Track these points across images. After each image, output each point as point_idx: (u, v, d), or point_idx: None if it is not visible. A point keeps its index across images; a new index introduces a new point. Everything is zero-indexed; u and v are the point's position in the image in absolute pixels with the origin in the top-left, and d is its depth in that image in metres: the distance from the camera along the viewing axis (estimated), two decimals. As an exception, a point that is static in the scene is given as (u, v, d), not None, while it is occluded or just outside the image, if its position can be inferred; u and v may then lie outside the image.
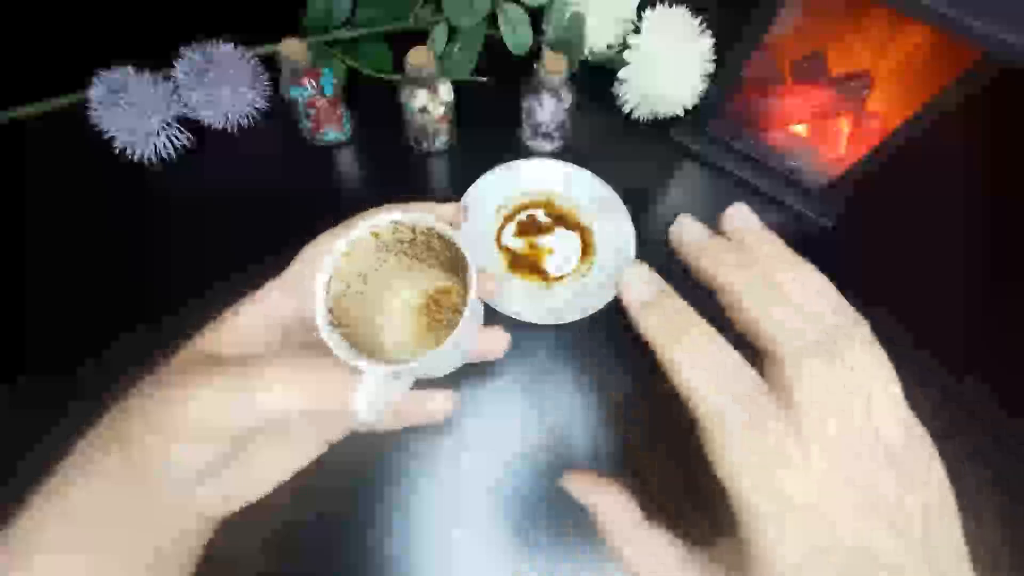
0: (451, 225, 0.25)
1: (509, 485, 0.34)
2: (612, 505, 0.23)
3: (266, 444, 0.24)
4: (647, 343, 0.19)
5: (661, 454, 0.35)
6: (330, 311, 0.23)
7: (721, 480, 0.17)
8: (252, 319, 0.24)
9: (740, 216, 0.22)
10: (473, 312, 0.24)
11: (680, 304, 0.20)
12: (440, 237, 0.25)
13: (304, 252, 0.26)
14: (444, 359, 0.26)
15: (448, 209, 0.28)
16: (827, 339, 0.17)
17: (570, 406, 0.37)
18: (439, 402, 0.26)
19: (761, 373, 0.18)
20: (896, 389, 0.17)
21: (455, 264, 0.27)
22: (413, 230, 0.26)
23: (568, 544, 0.33)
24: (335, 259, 0.24)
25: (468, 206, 0.42)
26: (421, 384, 0.26)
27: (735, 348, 0.18)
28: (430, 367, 0.26)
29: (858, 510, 0.16)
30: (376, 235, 0.25)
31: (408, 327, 0.29)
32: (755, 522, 0.16)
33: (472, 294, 0.23)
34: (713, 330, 0.18)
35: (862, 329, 0.18)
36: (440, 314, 0.30)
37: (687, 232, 0.21)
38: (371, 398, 0.22)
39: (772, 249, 0.20)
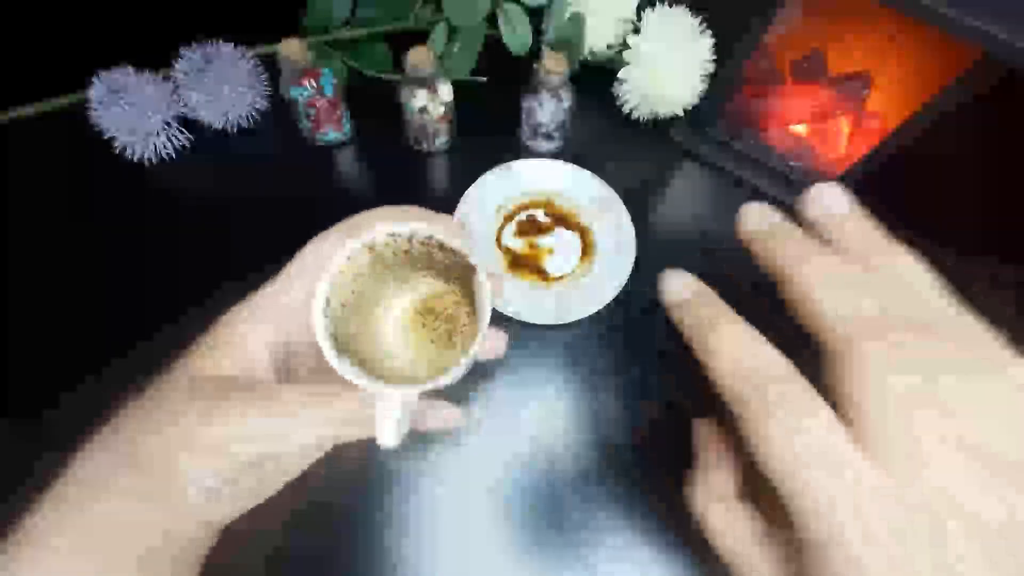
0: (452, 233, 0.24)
1: (510, 485, 0.34)
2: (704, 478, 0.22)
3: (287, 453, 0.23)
4: (687, 342, 0.19)
5: (661, 451, 0.35)
6: (333, 337, 0.22)
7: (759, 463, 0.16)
8: (253, 335, 0.23)
9: (825, 199, 0.19)
10: (485, 327, 0.23)
11: (713, 299, 0.19)
12: (442, 247, 0.24)
13: (300, 257, 0.25)
14: (459, 373, 0.26)
15: (447, 219, 0.27)
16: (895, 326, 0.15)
17: (571, 406, 0.37)
18: (447, 413, 0.27)
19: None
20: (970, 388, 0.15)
21: (452, 270, 0.26)
22: (410, 240, 0.25)
23: (568, 544, 0.33)
24: (330, 282, 0.23)
25: (468, 206, 0.42)
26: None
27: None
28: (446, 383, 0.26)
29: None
30: (371, 249, 0.24)
31: (404, 337, 0.29)
32: (805, 517, 0.15)
33: (488, 307, 0.23)
34: (744, 322, 0.18)
35: (963, 318, 0.16)
36: (435, 322, 0.29)
37: (751, 219, 0.19)
38: (395, 422, 0.21)
39: (860, 235, 0.18)
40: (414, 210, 0.26)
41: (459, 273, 0.26)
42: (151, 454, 0.20)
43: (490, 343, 0.28)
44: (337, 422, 0.21)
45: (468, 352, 0.22)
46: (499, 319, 0.37)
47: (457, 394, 0.35)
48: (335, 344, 0.22)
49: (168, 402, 0.21)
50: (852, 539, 0.14)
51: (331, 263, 0.23)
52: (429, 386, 0.22)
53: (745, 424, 0.16)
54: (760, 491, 0.20)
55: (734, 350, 0.17)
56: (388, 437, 0.21)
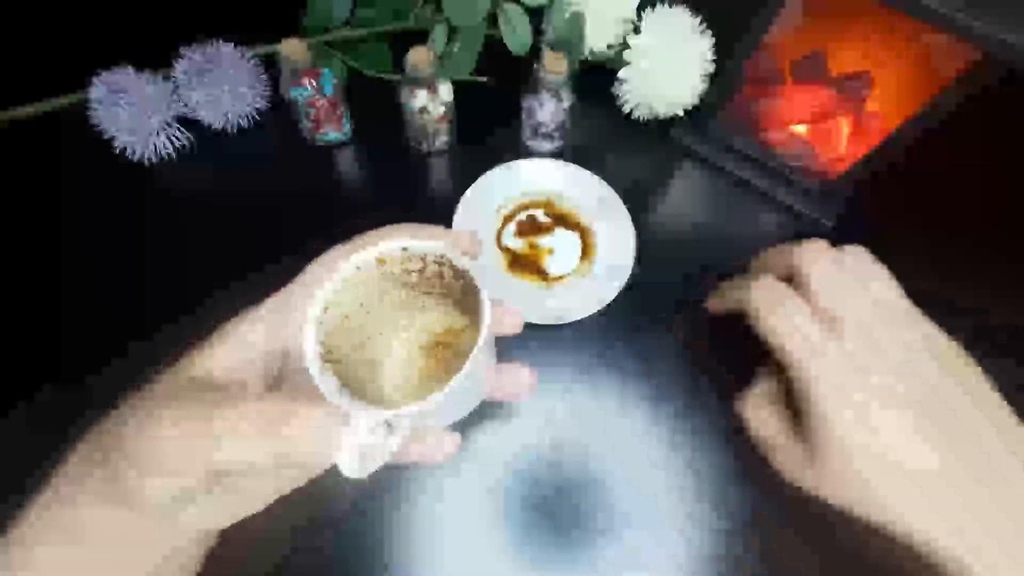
0: (466, 255, 0.22)
1: (510, 485, 0.34)
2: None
3: (253, 471, 0.22)
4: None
5: (661, 451, 0.35)
6: (323, 345, 0.21)
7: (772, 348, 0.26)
8: (248, 340, 0.23)
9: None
10: (485, 352, 0.21)
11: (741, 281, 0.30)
12: (453, 267, 0.23)
13: (310, 268, 0.24)
14: (448, 407, 0.23)
15: (463, 238, 0.26)
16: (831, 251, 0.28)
17: (570, 405, 0.37)
18: (438, 443, 0.24)
19: None
20: (884, 274, 0.27)
21: (468, 300, 0.24)
22: (423, 259, 0.23)
23: (568, 546, 0.33)
24: (333, 288, 0.21)
25: (468, 206, 0.42)
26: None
27: None
28: (431, 415, 0.23)
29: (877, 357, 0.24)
30: (382, 262, 0.23)
31: (413, 370, 0.26)
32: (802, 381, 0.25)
33: (484, 331, 0.20)
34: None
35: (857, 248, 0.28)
36: (451, 358, 0.27)
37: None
38: (361, 452, 0.19)
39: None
40: (433, 229, 0.25)
41: (474, 303, 0.23)
42: (110, 467, 0.20)
43: (512, 381, 0.26)
44: (288, 446, 0.19)
45: (455, 377, 0.19)
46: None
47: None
48: (324, 354, 0.21)
49: (136, 413, 0.21)
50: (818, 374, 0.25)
51: (338, 270, 0.22)
52: (403, 411, 0.19)
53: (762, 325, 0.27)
54: (782, 394, 0.28)
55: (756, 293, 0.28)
56: (348, 464, 0.19)
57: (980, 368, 0.25)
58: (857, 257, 0.28)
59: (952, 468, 0.23)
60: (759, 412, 0.28)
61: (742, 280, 0.30)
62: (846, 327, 0.25)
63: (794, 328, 0.25)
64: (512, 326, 0.26)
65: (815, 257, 0.27)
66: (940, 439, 0.23)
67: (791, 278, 0.28)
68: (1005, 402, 0.25)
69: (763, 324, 0.26)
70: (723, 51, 0.43)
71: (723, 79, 0.43)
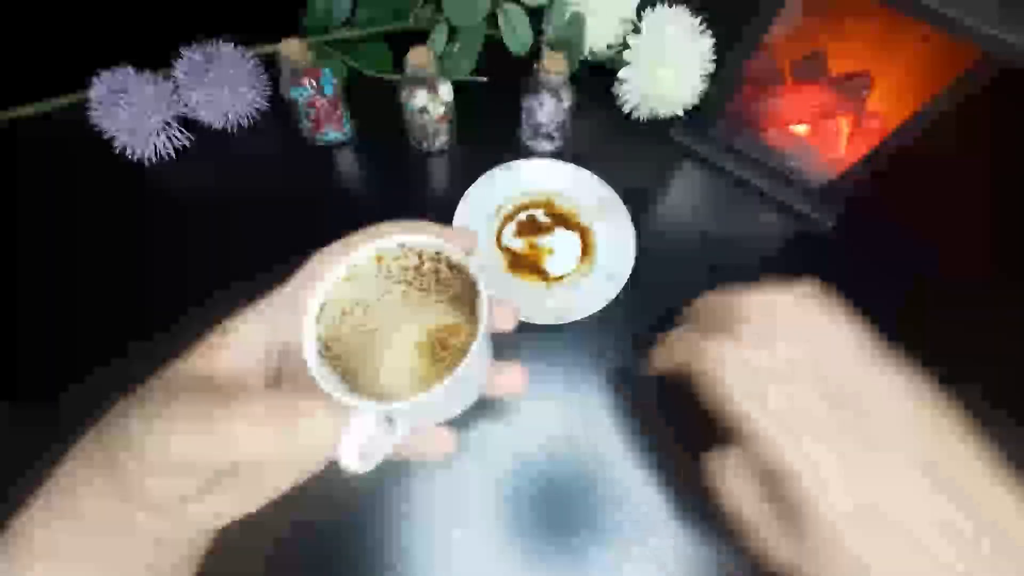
0: (463, 251, 0.23)
1: (511, 485, 0.34)
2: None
3: (256, 465, 0.22)
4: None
5: (662, 450, 0.35)
6: (322, 341, 0.21)
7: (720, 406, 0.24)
8: (248, 338, 0.23)
9: None
10: (482, 348, 0.21)
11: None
12: (449, 264, 0.23)
13: (308, 264, 0.24)
14: (447, 401, 0.24)
15: (459, 235, 0.25)
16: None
17: (570, 405, 0.37)
18: (436, 440, 0.25)
19: None
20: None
21: (465, 298, 0.25)
22: (419, 255, 0.24)
23: (569, 544, 0.33)
24: (332, 283, 0.22)
25: (468, 206, 0.42)
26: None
27: None
28: (430, 410, 0.24)
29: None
30: (379, 259, 0.23)
31: (412, 366, 0.27)
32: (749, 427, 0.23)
33: (483, 324, 0.21)
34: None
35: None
36: (447, 356, 0.27)
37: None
38: (361, 445, 0.19)
39: None
40: (429, 226, 0.25)
41: (471, 301, 0.23)
42: (115, 463, 0.20)
43: (507, 381, 0.27)
44: (293, 441, 0.19)
45: (455, 371, 0.20)
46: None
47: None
48: (323, 351, 0.21)
49: (140, 411, 0.21)
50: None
51: (336, 266, 0.22)
52: (402, 404, 0.19)
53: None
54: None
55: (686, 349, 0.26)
56: (349, 458, 0.19)
57: (948, 406, 0.23)
58: (806, 298, 0.25)
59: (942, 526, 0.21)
60: (734, 483, 0.25)
61: (686, 335, 0.27)
62: (801, 378, 0.23)
63: (756, 394, 0.23)
64: (511, 317, 0.26)
65: (762, 307, 0.25)
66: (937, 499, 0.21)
67: (732, 325, 0.25)
68: (972, 441, 0.23)
69: (718, 390, 0.24)
70: (723, 51, 0.43)
71: (723, 79, 0.43)
